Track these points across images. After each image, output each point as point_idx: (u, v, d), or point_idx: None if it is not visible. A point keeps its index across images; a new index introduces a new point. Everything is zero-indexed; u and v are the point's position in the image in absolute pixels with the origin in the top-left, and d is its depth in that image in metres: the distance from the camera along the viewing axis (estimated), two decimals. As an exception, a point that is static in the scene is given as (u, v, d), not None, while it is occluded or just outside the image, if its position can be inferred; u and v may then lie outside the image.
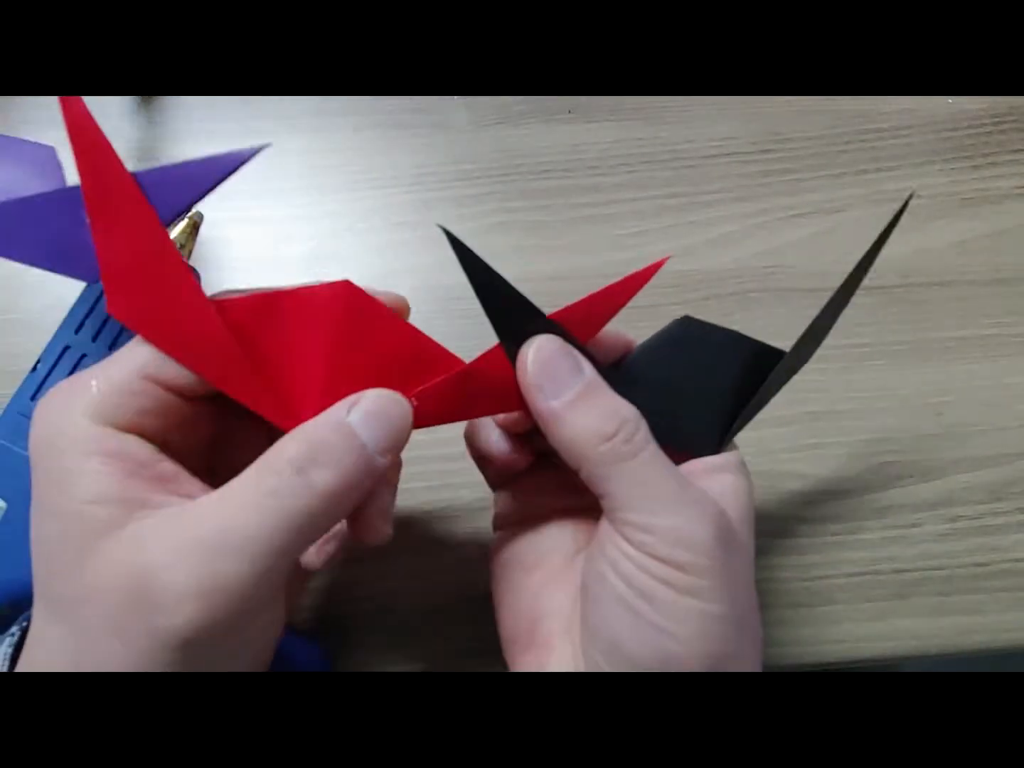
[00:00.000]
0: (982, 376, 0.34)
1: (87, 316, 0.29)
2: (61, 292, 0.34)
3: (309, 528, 0.18)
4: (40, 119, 0.37)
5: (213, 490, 0.18)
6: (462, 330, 0.34)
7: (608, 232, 0.37)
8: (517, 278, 0.36)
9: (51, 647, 0.18)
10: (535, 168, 0.38)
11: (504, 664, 0.23)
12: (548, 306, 0.36)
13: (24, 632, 0.23)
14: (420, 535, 0.31)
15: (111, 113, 0.37)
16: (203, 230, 0.35)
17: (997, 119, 0.40)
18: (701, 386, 0.22)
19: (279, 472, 0.18)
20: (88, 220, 0.19)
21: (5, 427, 0.28)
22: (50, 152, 0.27)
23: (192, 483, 0.19)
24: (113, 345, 0.29)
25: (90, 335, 0.29)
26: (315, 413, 0.19)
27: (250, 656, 0.19)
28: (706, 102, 0.39)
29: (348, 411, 0.19)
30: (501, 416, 0.23)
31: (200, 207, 0.37)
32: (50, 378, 0.28)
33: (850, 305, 0.35)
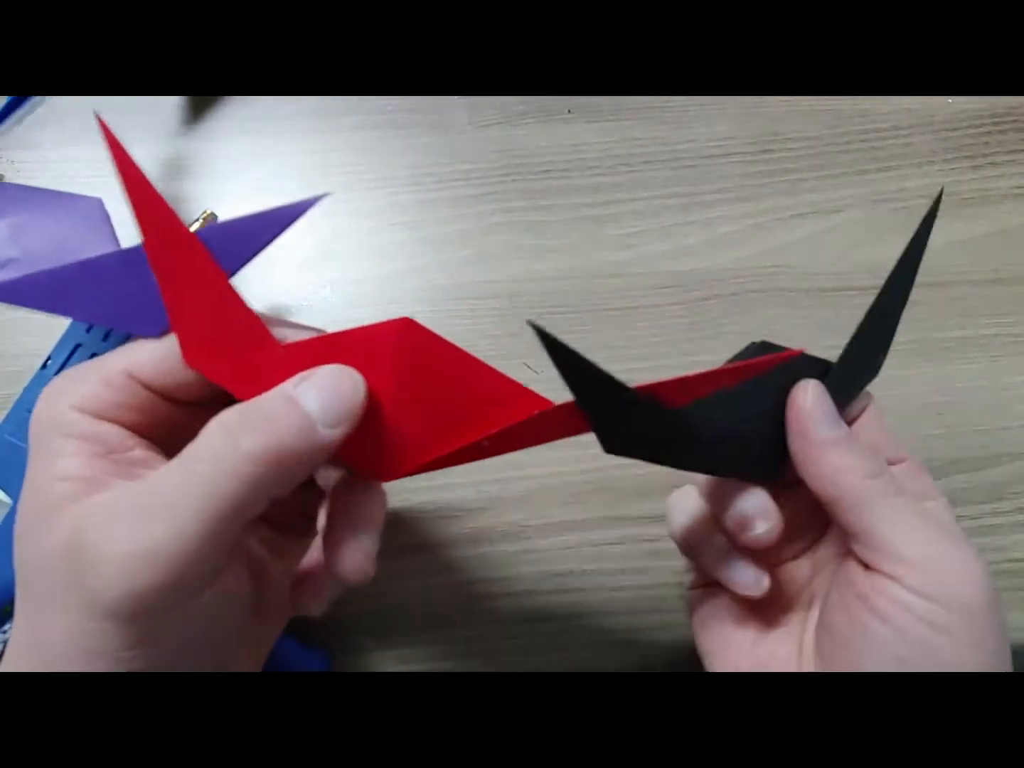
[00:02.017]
0: (982, 376, 0.34)
1: None
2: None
3: (242, 493, 0.17)
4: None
5: None
6: (462, 330, 0.34)
7: (608, 232, 0.37)
8: (517, 278, 0.36)
9: (17, 628, 0.18)
10: (535, 168, 0.38)
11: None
12: (547, 306, 0.37)
13: None
14: (421, 535, 0.31)
15: (107, 113, 0.37)
16: (203, 230, 0.35)
17: (997, 119, 0.40)
18: (760, 409, 0.22)
19: (210, 438, 0.18)
20: (155, 279, 0.19)
21: (13, 424, 0.28)
22: (97, 203, 0.28)
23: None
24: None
25: (101, 334, 0.29)
26: (400, 463, 0.20)
27: (217, 635, 0.19)
28: (706, 102, 0.39)
29: (296, 384, 0.19)
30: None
31: (199, 211, 0.37)
32: (59, 377, 0.28)
33: (850, 305, 0.36)
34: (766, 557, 0.23)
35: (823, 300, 0.36)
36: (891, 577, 0.19)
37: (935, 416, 0.34)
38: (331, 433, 0.19)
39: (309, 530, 0.24)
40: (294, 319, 0.34)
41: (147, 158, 0.37)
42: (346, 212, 0.36)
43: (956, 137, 0.39)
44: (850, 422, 0.23)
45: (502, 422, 0.20)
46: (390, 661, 0.29)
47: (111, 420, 0.19)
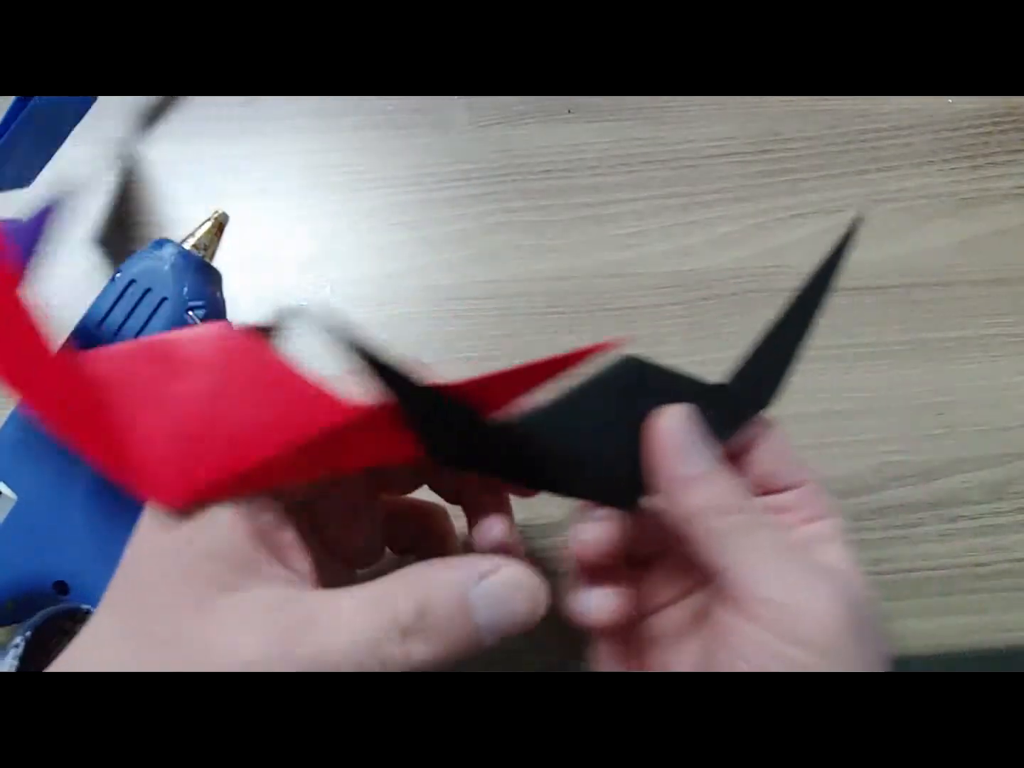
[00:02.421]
0: (982, 376, 0.34)
1: (112, 307, 0.29)
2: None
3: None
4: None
5: (316, 570, 0.19)
6: (462, 330, 0.34)
7: (608, 232, 0.37)
8: (517, 278, 0.36)
9: (120, 660, 0.17)
10: (535, 168, 0.38)
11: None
12: (547, 306, 0.36)
13: (28, 641, 0.23)
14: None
15: (110, 114, 0.37)
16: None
17: (997, 119, 0.40)
18: (620, 430, 0.20)
19: (385, 630, 0.17)
20: None
21: (17, 421, 0.28)
22: None
23: (305, 557, 0.19)
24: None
25: (113, 329, 0.29)
26: (183, 472, 0.18)
27: None
28: (706, 102, 0.39)
29: (477, 582, 0.18)
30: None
31: (199, 211, 0.37)
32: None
33: (850, 305, 0.36)
34: (641, 597, 0.22)
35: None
36: (750, 618, 0.18)
37: (935, 416, 0.34)
38: (492, 641, 0.18)
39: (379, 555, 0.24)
40: (294, 319, 0.34)
41: (147, 158, 0.37)
42: (346, 212, 0.36)
43: (956, 137, 0.39)
44: (740, 450, 0.22)
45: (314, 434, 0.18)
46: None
47: (272, 494, 0.19)
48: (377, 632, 0.17)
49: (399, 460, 0.18)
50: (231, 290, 0.32)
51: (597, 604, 0.21)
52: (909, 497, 0.32)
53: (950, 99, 0.40)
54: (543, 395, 0.20)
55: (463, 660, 0.18)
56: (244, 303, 0.34)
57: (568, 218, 0.37)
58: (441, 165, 0.37)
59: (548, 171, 0.38)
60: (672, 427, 0.20)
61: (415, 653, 0.17)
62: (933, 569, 0.31)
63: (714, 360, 0.34)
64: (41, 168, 0.36)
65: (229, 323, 0.18)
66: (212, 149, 0.37)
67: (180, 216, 0.36)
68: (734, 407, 0.21)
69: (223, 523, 0.18)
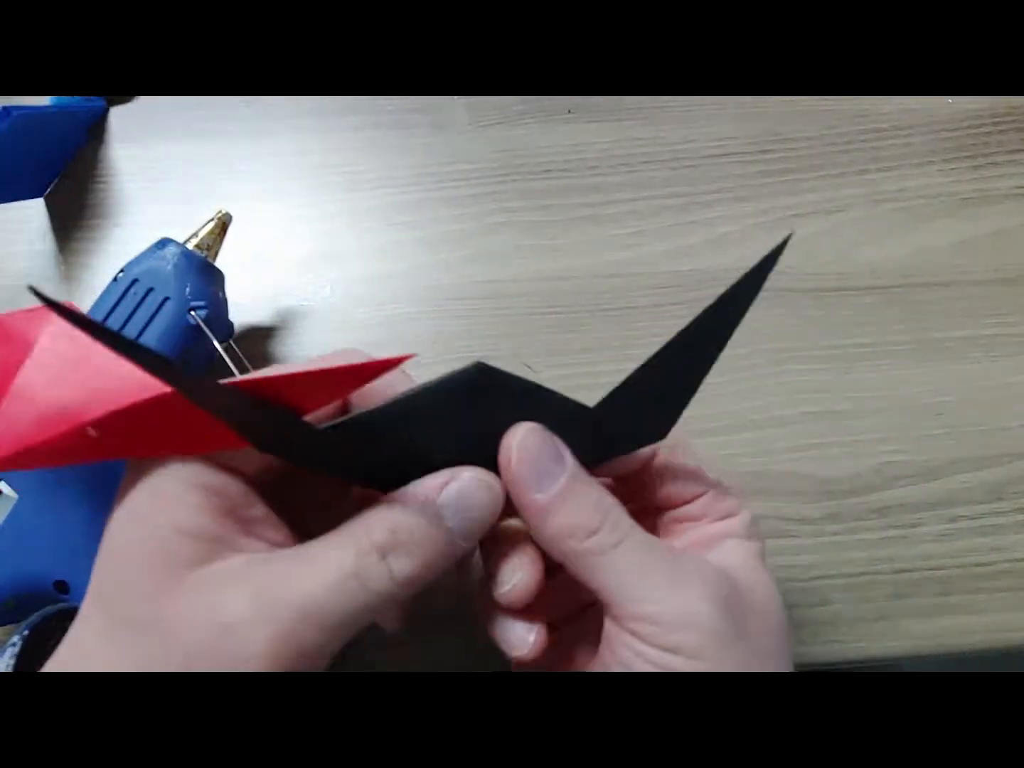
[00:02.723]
0: (982, 376, 0.34)
1: (114, 307, 0.29)
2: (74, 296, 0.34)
3: (384, 608, 0.18)
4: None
5: (297, 540, 0.19)
6: (462, 330, 0.34)
7: (608, 232, 0.37)
8: (517, 278, 0.36)
9: (105, 656, 0.17)
10: (535, 168, 0.38)
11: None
12: (547, 306, 0.37)
13: (25, 641, 0.23)
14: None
15: (108, 113, 0.37)
16: (203, 230, 0.35)
17: (997, 119, 0.40)
18: (478, 437, 0.20)
19: (365, 553, 0.18)
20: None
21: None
22: None
23: (279, 529, 0.20)
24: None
25: (117, 327, 0.28)
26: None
27: None
28: (706, 102, 0.39)
29: (441, 491, 0.19)
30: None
31: (199, 211, 0.37)
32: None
33: (850, 305, 0.36)
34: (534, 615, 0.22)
35: (823, 300, 0.36)
36: (627, 631, 0.19)
37: (935, 416, 0.34)
38: (465, 547, 0.19)
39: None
40: (294, 319, 0.34)
41: (147, 158, 0.37)
42: (346, 212, 0.36)
43: (956, 137, 0.39)
44: (634, 471, 0.22)
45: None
46: (390, 661, 0.29)
47: (233, 471, 0.19)
48: (357, 558, 0.18)
49: (231, 446, 0.18)
50: (231, 290, 0.32)
51: (520, 638, 0.21)
52: (909, 497, 0.32)
53: (950, 99, 0.40)
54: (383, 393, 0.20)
55: (445, 572, 0.19)
56: (244, 303, 0.34)
57: (568, 218, 0.37)
58: (441, 165, 0.37)
59: (548, 171, 0.38)
60: (523, 447, 0.19)
61: (397, 568, 0.18)
62: (933, 569, 0.31)
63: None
64: (53, 178, 0.36)
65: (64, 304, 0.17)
66: (213, 149, 0.37)
67: (181, 216, 0.36)
68: (611, 434, 0.21)
69: (189, 503, 0.18)
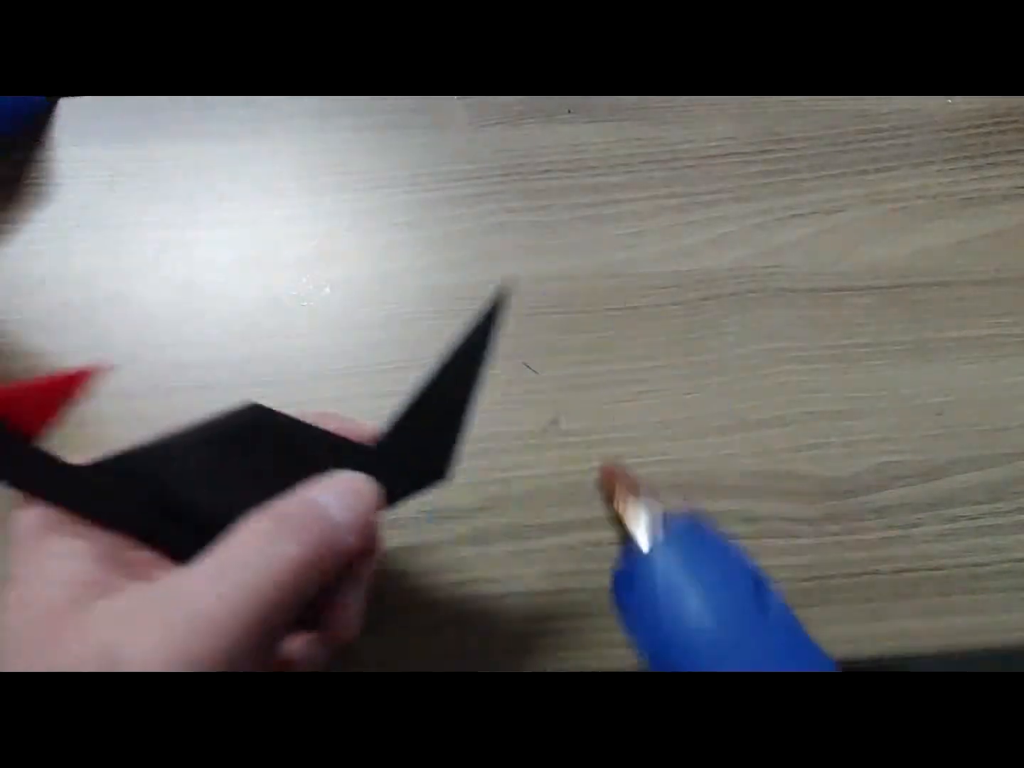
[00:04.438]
0: (982, 376, 0.34)
1: None
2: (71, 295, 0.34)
3: (277, 600, 0.17)
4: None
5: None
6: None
7: (608, 232, 0.37)
8: (517, 278, 0.36)
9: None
10: (535, 168, 0.38)
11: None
12: (547, 306, 0.36)
13: None
14: (420, 535, 0.31)
15: (109, 113, 0.37)
16: (201, 232, 0.35)
17: (997, 119, 0.40)
18: (251, 479, 0.19)
19: (246, 544, 0.18)
20: None
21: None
22: None
23: (166, 568, 0.19)
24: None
25: None
26: None
27: None
28: (706, 102, 0.39)
29: (317, 490, 0.19)
30: None
31: (199, 211, 0.37)
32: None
33: (850, 305, 0.36)
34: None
35: (822, 300, 0.36)
36: None
37: (935, 416, 0.34)
38: (351, 540, 0.19)
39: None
40: (294, 319, 0.34)
41: (147, 158, 0.37)
42: (346, 212, 0.36)
43: (956, 137, 0.39)
44: None
45: None
46: (389, 662, 0.29)
47: None
48: (238, 548, 0.18)
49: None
50: (231, 290, 0.32)
51: (299, 650, 0.22)
52: (909, 497, 0.32)
53: (950, 99, 0.40)
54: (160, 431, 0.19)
55: (334, 562, 0.19)
56: (244, 303, 0.34)
57: (568, 218, 0.37)
58: (441, 165, 0.37)
59: (548, 171, 0.38)
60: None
61: (281, 551, 0.18)
62: (933, 569, 0.31)
63: (714, 360, 0.34)
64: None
65: None
66: (212, 149, 0.37)
67: (181, 216, 0.36)
68: (388, 474, 0.21)
69: (61, 554, 0.18)
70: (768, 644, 0.18)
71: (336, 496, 0.19)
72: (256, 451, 0.19)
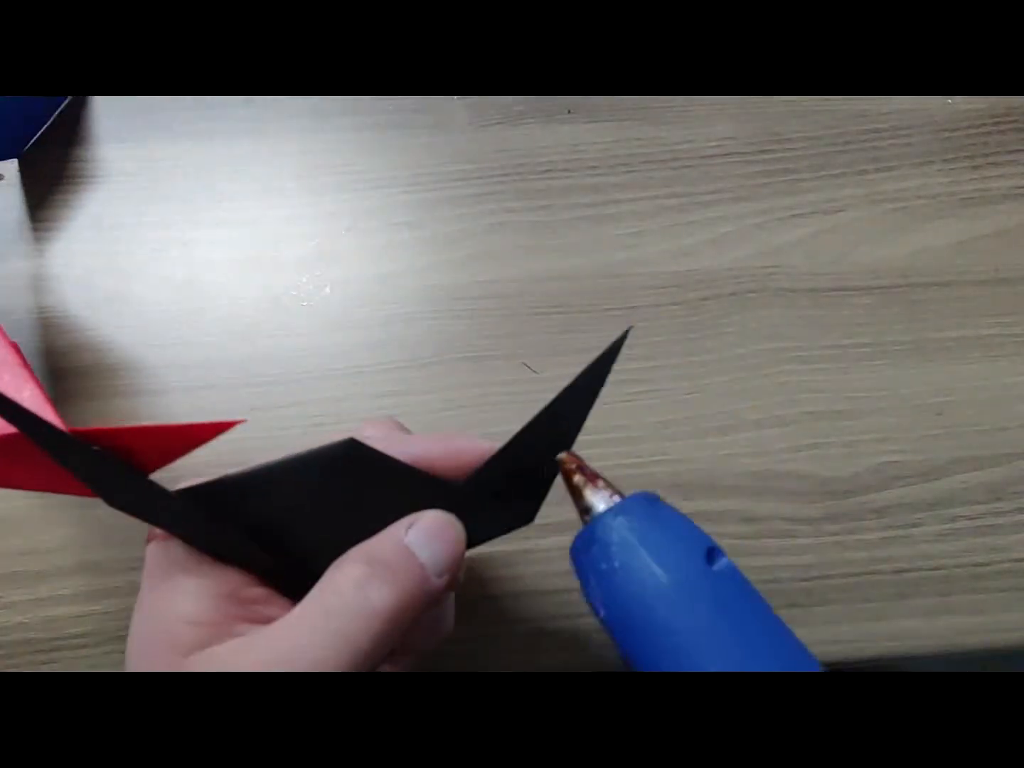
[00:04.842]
0: (982, 376, 0.34)
1: None
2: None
3: (371, 648, 0.18)
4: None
5: None
6: (462, 330, 0.34)
7: (608, 232, 0.37)
8: (517, 278, 0.37)
9: None
10: (535, 168, 0.38)
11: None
12: (547, 306, 0.36)
13: None
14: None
15: (109, 113, 0.37)
16: (201, 232, 0.35)
17: (997, 119, 0.40)
18: (342, 515, 0.20)
19: (341, 592, 0.18)
20: None
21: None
22: None
23: (283, 607, 0.20)
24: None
25: None
26: None
27: None
28: (706, 102, 0.39)
29: (406, 531, 0.20)
30: None
31: (199, 211, 0.37)
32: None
33: (850, 305, 0.36)
34: None
35: (822, 300, 0.36)
36: None
37: (935, 416, 0.34)
38: (439, 582, 0.20)
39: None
40: (294, 319, 0.34)
41: (147, 158, 0.37)
42: (346, 212, 0.36)
43: (956, 137, 0.39)
44: None
45: None
46: (390, 661, 0.29)
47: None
48: (334, 597, 0.18)
49: (85, 492, 0.18)
50: (231, 289, 0.32)
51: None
52: (909, 497, 0.32)
53: (950, 99, 0.40)
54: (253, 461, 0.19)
55: (424, 605, 0.19)
56: (244, 303, 0.34)
57: (568, 218, 0.37)
58: (441, 165, 0.37)
59: (548, 171, 0.38)
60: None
61: (376, 599, 0.18)
62: (932, 569, 0.31)
63: (714, 360, 0.34)
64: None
65: None
66: (212, 149, 0.37)
67: (181, 216, 0.36)
68: (476, 515, 0.21)
69: (188, 591, 0.19)
70: (719, 595, 0.19)
71: (427, 538, 0.20)
72: (350, 486, 0.20)
